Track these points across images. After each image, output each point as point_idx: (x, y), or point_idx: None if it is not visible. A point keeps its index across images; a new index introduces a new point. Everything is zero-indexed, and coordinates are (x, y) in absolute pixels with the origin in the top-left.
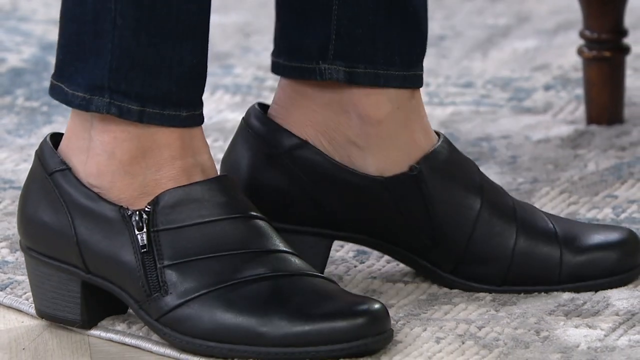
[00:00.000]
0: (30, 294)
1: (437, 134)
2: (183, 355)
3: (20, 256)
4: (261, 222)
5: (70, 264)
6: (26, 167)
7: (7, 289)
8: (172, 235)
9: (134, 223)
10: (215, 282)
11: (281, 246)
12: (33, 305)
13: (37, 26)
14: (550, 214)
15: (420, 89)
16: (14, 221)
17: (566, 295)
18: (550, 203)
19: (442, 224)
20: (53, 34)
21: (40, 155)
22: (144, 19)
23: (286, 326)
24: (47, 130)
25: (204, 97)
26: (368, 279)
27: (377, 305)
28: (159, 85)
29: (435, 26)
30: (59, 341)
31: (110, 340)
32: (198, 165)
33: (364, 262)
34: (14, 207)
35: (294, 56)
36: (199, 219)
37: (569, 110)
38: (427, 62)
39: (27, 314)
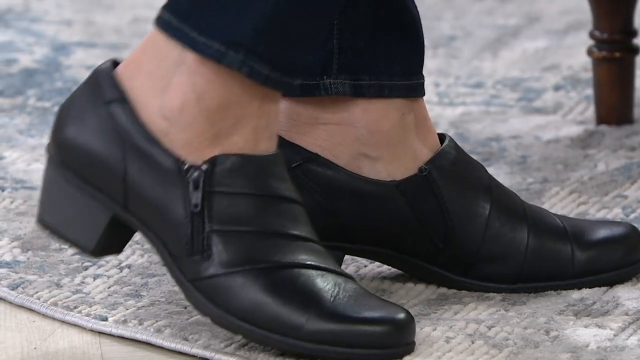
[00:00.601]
0: (42, 293)
1: (443, 135)
2: (194, 350)
3: (31, 256)
4: (305, 212)
5: (107, 195)
6: (38, 167)
7: (19, 288)
8: (226, 200)
9: (190, 179)
10: (260, 260)
11: (319, 242)
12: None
13: (49, 27)
14: (555, 214)
15: (429, 89)
16: (25, 221)
17: (576, 295)
18: (560, 203)
19: (455, 224)
20: (65, 35)
21: (97, 78)
22: None
23: (324, 323)
24: None
25: None
26: (378, 279)
27: (407, 316)
28: (289, 54)
29: (445, 26)
30: (70, 340)
31: (122, 336)
32: (268, 130)
33: (373, 262)
34: (26, 207)
35: None
36: (255, 190)
37: (578, 111)
38: (437, 63)
39: (38, 313)
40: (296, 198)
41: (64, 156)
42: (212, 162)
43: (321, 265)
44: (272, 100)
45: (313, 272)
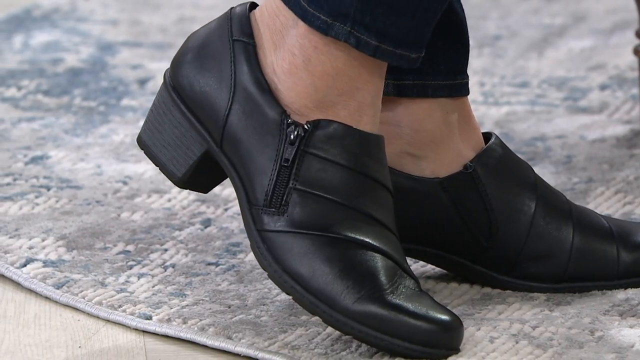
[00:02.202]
0: (87, 292)
1: (490, 134)
2: (238, 348)
3: (76, 255)
4: (392, 203)
5: (206, 129)
6: (83, 166)
7: (64, 287)
8: (317, 164)
9: (289, 133)
10: (332, 230)
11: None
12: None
13: (95, 26)
14: (601, 214)
15: (474, 88)
16: (70, 220)
17: (621, 295)
18: (605, 203)
19: (499, 222)
20: (111, 34)
21: (232, 16)
22: None
23: (373, 306)
24: (104, 130)
25: None
26: (422, 279)
27: (456, 321)
28: (401, 25)
29: (490, 26)
30: (114, 339)
31: (166, 335)
32: (372, 108)
33: (417, 262)
34: (71, 206)
35: None
36: (349, 163)
37: (624, 110)
38: (483, 62)
39: (83, 312)
40: (388, 186)
41: (177, 81)
42: (315, 124)
43: (391, 254)
44: (380, 76)
45: (379, 258)
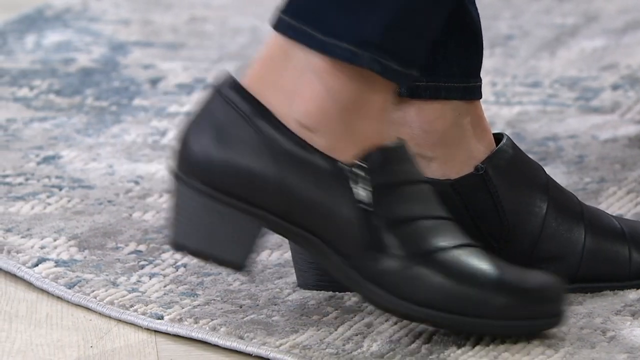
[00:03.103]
0: (98, 292)
1: (501, 135)
2: (250, 348)
3: (88, 255)
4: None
5: (262, 208)
6: (95, 166)
7: (76, 287)
8: (387, 192)
9: (350, 177)
10: (433, 246)
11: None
12: (105, 298)
13: (107, 26)
14: (613, 215)
15: (486, 88)
16: (82, 220)
17: (633, 295)
18: (617, 203)
19: (511, 223)
20: (123, 34)
21: (225, 92)
22: None
23: (506, 297)
24: (116, 130)
25: None
26: None
27: (557, 279)
28: (419, 49)
29: (502, 25)
30: (126, 339)
31: (177, 335)
32: (389, 119)
33: None
34: (83, 206)
35: None
36: (407, 177)
37: (637, 110)
38: (494, 62)
39: (95, 312)
40: (425, 179)
41: (204, 176)
42: (365, 157)
43: (470, 242)
44: (392, 90)
45: (468, 250)
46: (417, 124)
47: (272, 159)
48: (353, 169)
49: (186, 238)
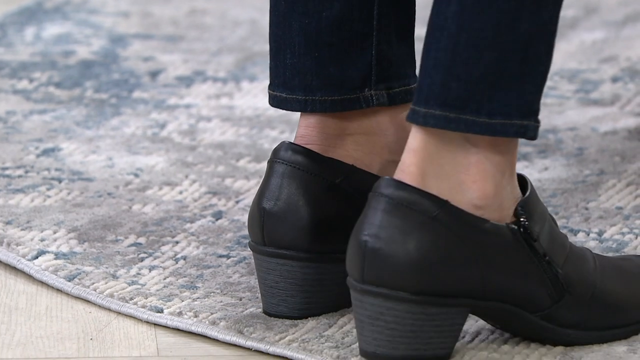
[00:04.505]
0: (98, 285)
1: None
2: (249, 342)
3: (88, 247)
4: None
5: (466, 295)
6: (94, 158)
7: (75, 279)
8: (547, 240)
9: (525, 238)
10: (592, 276)
11: None
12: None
13: (106, 19)
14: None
15: None
16: (82, 212)
17: None
18: (616, 195)
19: None
20: (122, 27)
21: (397, 201)
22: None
23: None
24: (115, 122)
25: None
26: None
27: None
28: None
29: None
30: (126, 332)
31: (177, 328)
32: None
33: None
34: (83, 198)
35: (334, 90)
36: (545, 216)
37: (636, 102)
38: None
39: (94, 304)
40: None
41: (416, 285)
42: (523, 211)
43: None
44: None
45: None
46: (391, 131)
47: (469, 248)
48: (522, 228)
49: (380, 348)
